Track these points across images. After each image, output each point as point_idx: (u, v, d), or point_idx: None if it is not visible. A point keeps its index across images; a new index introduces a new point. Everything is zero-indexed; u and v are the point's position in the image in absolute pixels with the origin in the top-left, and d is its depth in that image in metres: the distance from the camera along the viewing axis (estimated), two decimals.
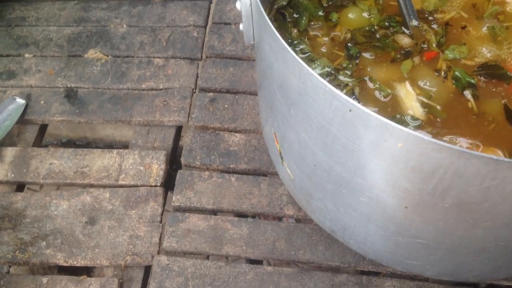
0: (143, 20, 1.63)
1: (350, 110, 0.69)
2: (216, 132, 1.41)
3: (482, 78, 1.04)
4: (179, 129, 1.46)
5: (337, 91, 0.67)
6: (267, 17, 0.75)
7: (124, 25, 1.62)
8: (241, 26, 0.96)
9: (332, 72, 1.08)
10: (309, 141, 0.88)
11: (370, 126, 0.69)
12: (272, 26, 0.74)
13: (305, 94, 0.76)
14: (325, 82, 0.68)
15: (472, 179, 0.68)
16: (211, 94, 1.47)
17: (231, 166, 1.35)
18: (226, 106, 1.44)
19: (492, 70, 1.05)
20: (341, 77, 1.08)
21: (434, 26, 1.10)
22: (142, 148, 1.41)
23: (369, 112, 0.66)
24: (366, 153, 0.76)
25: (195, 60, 1.54)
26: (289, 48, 0.72)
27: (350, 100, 0.67)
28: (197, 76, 1.51)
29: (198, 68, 1.52)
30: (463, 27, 1.10)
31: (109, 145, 1.79)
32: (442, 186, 0.72)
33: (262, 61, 0.95)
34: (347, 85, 1.06)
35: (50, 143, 1.85)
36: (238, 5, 0.90)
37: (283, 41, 0.73)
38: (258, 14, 0.82)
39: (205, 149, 1.38)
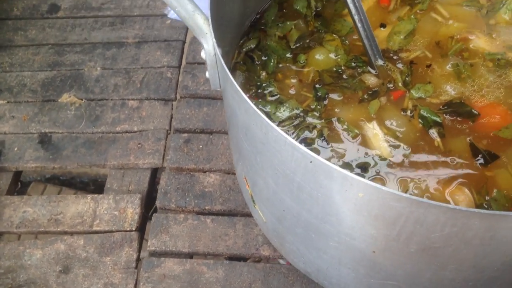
0: (117, 62, 1.65)
1: (311, 162, 0.69)
2: (191, 173, 1.41)
3: (447, 116, 1.06)
4: (154, 171, 1.45)
5: (297, 144, 0.68)
6: (227, 70, 0.77)
7: (98, 68, 1.63)
8: (207, 74, 0.97)
9: (301, 114, 1.10)
10: (276, 188, 0.88)
11: (331, 176, 0.70)
12: (232, 79, 0.75)
13: (268, 144, 0.77)
14: (285, 134, 0.69)
15: (433, 226, 0.68)
16: (185, 135, 1.48)
17: (206, 207, 1.34)
18: (201, 146, 1.45)
19: (457, 108, 1.07)
20: (309, 119, 1.09)
21: (400, 65, 1.12)
22: (117, 191, 1.40)
23: (329, 164, 0.67)
24: (330, 201, 0.77)
25: (169, 101, 1.55)
26: (249, 101, 0.73)
27: (310, 152, 0.68)
28: (172, 117, 1.51)
29: (172, 109, 1.53)
30: (428, 66, 1.12)
31: (94, 178, 1.79)
32: (405, 233, 0.73)
33: (228, 107, 0.96)
34: (315, 126, 1.08)
35: (34, 179, 1.84)
36: (203, 54, 0.91)
37: (243, 93, 0.74)
38: (219, 65, 0.83)
39: (180, 191, 1.37)
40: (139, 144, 1.45)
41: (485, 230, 0.67)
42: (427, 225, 0.69)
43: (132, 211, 1.34)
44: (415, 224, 0.70)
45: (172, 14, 1.75)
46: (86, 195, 1.38)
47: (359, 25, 1.11)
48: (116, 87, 1.58)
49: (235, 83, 0.75)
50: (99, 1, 1.80)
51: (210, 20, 0.81)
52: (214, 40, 0.81)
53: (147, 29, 1.70)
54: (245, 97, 0.74)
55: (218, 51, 0.83)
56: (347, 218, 0.77)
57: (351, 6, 1.10)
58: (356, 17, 1.10)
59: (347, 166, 1.03)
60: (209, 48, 0.86)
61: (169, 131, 1.49)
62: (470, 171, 0.99)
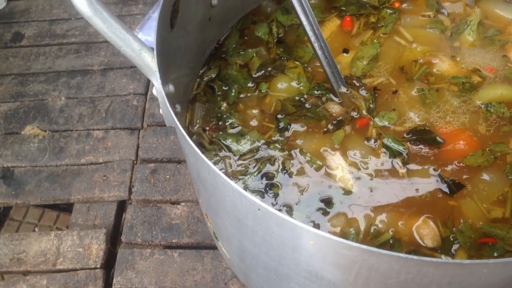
0: (82, 91, 1.61)
1: (259, 209, 0.66)
2: (158, 205, 1.37)
3: (412, 144, 1.04)
4: (120, 204, 1.41)
5: (244, 192, 0.65)
6: (172, 113, 0.74)
7: (63, 98, 1.60)
8: (161, 110, 0.94)
9: (263, 146, 1.07)
10: (233, 229, 0.85)
11: (281, 224, 0.67)
12: (178, 123, 0.72)
13: (218, 189, 0.74)
14: (231, 182, 0.66)
15: (388, 273, 0.66)
16: (152, 165, 1.44)
17: (173, 241, 1.31)
18: (168, 176, 1.41)
19: (421, 135, 1.05)
20: (271, 152, 1.06)
21: (363, 92, 1.10)
22: (83, 226, 1.36)
23: (276, 213, 0.64)
24: (284, 246, 0.74)
25: (135, 130, 1.52)
26: (195, 147, 0.70)
27: (257, 200, 0.65)
28: (138, 147, 1.48)
29: (138, 138, 1.50)
30: (395, 92, 1.10)
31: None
32: (362, 279, 0.70)
33: (181, 146, 0.93)
34: (276, 159, 1.05)
35: None
36: (154, 91, 0.88)
37: (188, 138, 0.71)
38: (165, 107, 0.80)
39: (146, 224, 1.33)
40: (104, 176, 1.41)
41: (441, 277, 0.65)
42: (382, 272, 0.66)
43: (97, 247, 1.30)
44: (370, 270, 0.67)
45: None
46: (49, 232, 1.34)
47: (319, 52, 1.09)
48: (81, 117, 1.54)
49: (181, 129, 0.73)
50: (63, 28, 1.77)
51: (155, 58, 0.78)
52: (159, 81, 0.78)
53: (112, 56, 1.67)
54: (190, 141, 0.71)
55: (165, 90, 0.80)
56: (303, 263, 0.74)
57: (310, 33, 1.08)
58: (316, 45, 1.08)
59: (310, 199, 1.00)
60: (159, 86, 0.83)
61: (135, 162, 1.45)
62: (435, 202, 0.97)
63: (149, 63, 0.84)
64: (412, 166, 1.01)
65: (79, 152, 1.47)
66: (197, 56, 1.14)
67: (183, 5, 0.97)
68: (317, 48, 1.08)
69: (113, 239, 1.36)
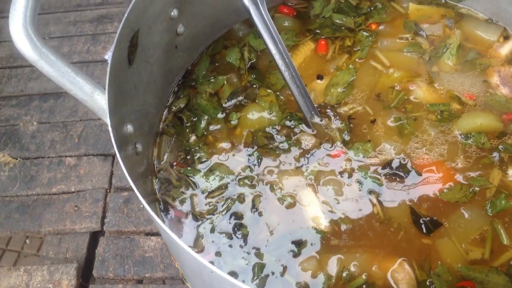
0: (55, 115, 1.57)
1: (212, 272, 0.61)
2: (131, 237, 1.32)
3: (387, 178, 0.99)
4: (93, 235, 1.37)
5: (197, 256, 0.60)
6: (125, 170, 0.69)
7: (35, 123, 1.55)
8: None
9: (232, 182, 1.02)
10: (195, 278, 0.81)
11: (232, 286, 0.62)
12: (131, 181, 0.68)
13: (169, 242, 0.69)
14: (185, 246, 0.61)
15: None
16: (125, 193, 1.40)
17: (146, 275, 1.26)
18: (142, 206, 1.37)
19: (398, 169, 1.00)
20: (241, 188, 1.02)
21: (338, 122, 1.06)
22: (53, 260, 1.31)
23: (227, 278, 0.59)
24: None
25: (108, 156, 1.47)
26: (150, 212, 0.65)
27: (208, 264, 0.60)
28: (111, 174, 1.43)
29: (112, 165, 1.45)
30: (373, 121, 1.05)
31: None
32: None
33: None
34: (245, 197, 1.00)
35: None
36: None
37: (144, 201, 0.66)
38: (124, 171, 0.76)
39: (118, 257, 1.29)
40: (76, 207, 1.36)
41: None
42: None
43: (67, 283, 1.25)
44: None
45: None
46: (19, 268, 1.29)
47: (290, 81, 1.05)
48: (53, 143, 1.50)
49: (138, 193, 0.68)
50: None
51: (107, 102, 0.73)
52: (110, 129, 0.73)
53: None
54: (144, 202, 0.67)
55: (124, 131, 0.76)
56: None
57: (279, 62, 1.03)
58: (286, 74, 1.04)
59: (281, 240, 0.96)
60: (112, 131, 0.78)
61: (108, 190, 1.40)
62: (411, 241, 0.92)
63: (103, 105, 0.80)
64: (388, 203, 0.97)
65: (50, 180, 1.43)
66: (164, 86, 1.09)
67: (143, 38, 0.93)
68: (287, 78, 1.04)
69: (85, 273, 1.31)
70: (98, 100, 0.79)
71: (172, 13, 1.01)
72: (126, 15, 0.83)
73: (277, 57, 1.03)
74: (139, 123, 0.96)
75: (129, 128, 0.86)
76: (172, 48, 1.07)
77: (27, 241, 1.61)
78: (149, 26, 0.93)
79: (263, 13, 1.00)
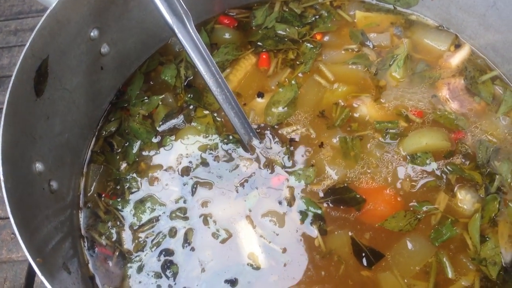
0: None
1: None
2: None
3: (330, 206, 0.94)
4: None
5: None
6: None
7: None
8: None
9: (163, 215, 0.96)
10: None
11: None
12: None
13: None
14: None
15: None
16: None
17: None
18: None
19: (341, 194, 0.95)
20: (173, 222, 0.95)
21: (278, 145, 0.99)
22: None
23: None
24: None
25: None
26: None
27: None
28: None
29: None
30: (320, 145, 0.99)
31: None
32: None
33: None
34: (177, 231, 0.94)
35: None
36: None
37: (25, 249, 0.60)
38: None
39: None
40: (12, 234, 1.29)
41: None
42: None
43: None
44: None
45: None
46: None
47: (224, 103, 0.99)
48: None
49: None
50: None
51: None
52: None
53: None
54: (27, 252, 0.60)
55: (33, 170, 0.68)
56: None
57: (211, 83, 0.97)
58: (219, 96, 0.97)
59: (214, 279, 0.90)
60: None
61: None
62: (352, 276, 0.87)
63: None
64: (330, 234, 0.91)
65: None
66: (91, 110, 1.02)
67: (55, 64, 0.86)
68: (221, 99, 0.98)
69: None
70: None
71: (92, 34, 0.93)
72: (27, 44, 0.75)
73: (208, 78, 0.96)
74: (57, 157, 0.89)
75: (38, 166, 0.79)
76: (97, 70, 1.00)
77: None
78: (62, 51, 0.86)
79: (191, 31, 0.93)
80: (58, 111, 0.90)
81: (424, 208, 0.92)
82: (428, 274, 0.86)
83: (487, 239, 0.88)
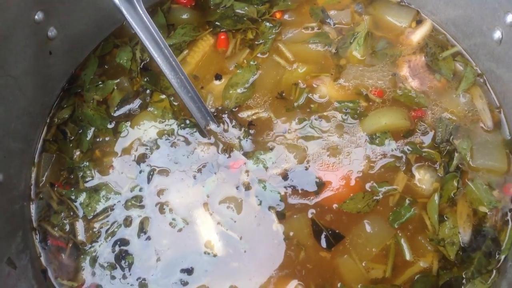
0: None
1: None
2: None
3: (289, 190, 0.92)
4: None
5: None
6: None
7: None
8: None
9: (119, 203, 0.93)
10: None
11: None
12: None
13: None
14: None
15: None
16: None
17: None
18: None
19: (300, 178, 0.94)
20: (128, 210, 0.93)
21: (236, 129, 0.97)
22: None
23: None
24: None
25: None
26: None
27: None
28: None
29: None
30: (284, 132, 0.97)
31: None
32: None
33: None
34: (132, 220, 0.91)
35: None
36: None
37: None
38: None
39: None
40: None
41: None
42: None
43: None
44: None
45: None
46: None
47: (179, 87, 0.96)
48: None
49: None
50: None
51: None
52: None
53: None
54: None
55: None
56: None
57: (164, 67, 0.94)
58: (173, 80, 0.94)
59: (170, 268, 0.88)
60: None
61: None
62: (313, 260, 0.86)
63: None
64: (288, 217, 0.89)
65: None
66: (42, 97, 0.99)
67: None
68: (175, 83, 0.95)
69: None
70: None
71: (36, 17, 0.89)
72: None
73: (161, 61, 0.94)
74: (1, 147, 0.85)
75: None
76: (45, 55, 0.96)
77: None
78: (3, 36, 0.82)
79: (140, 12, 0.89)
80: (2, 99, 0.86)
81: (383, 189, 0.90)
82: (387, 257, 0.85)
83: (446, 219, 0.87)
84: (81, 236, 0.91)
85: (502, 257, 0.84)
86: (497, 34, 0.93)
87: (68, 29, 1.00)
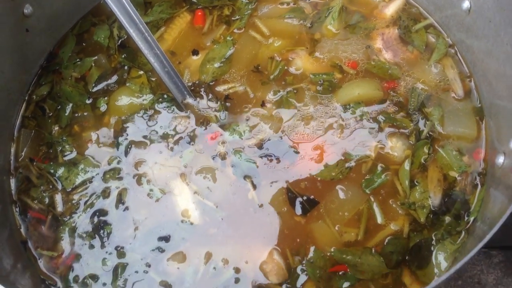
0: None
1: None
2: None
3: (264, 159, 0.94)
4: None
5: None
6: None
7: None
8: None
9: (98, 175, 0.95)
10: None
11: None
12: None
13: None
14: None
15: None
16: None
17: None
18: None
19: (275, 148, 0.95)
20: (106, 182, 0.94)
21: (213, 101, 0.98)
22: None
23: None
24: None
25: None
26: None
27: None
28: None
29: None
30: (262, 104, 0.99)
31: None
32: None
33: None
34: (111, 191, 0.93)
35: None
36: None
37: None
38: None
39: None
40: None
41: None
42: None
43: None
44: None
45: None
46: None
47: (155, 61, 0.98)
48: None
49: None
50: None
51: None
52: None
53: None
54: None
55: None
56: None
57: (140, 42, 0.95)
58: (150, 57, 0.96)
59: (148, 237, 0.90)
60: None
61: None
62: (288, 226, 0.88)
63: None
64: (264, 186, 0.91)
65: None
66: (19, 75, 1.00)
67: None
68: (151, 58, 0.97)
69: None
70: None
71: None
72: None
73: (136, 37, 0.96)
74: None
75: None
76: (21, 32, 0.97)
77: None
78: None
79: None
80: None
81: (356, 157, 0.92)
82: (359, 221, 0.87)
83: (417, 184, 0.89)
84: (60, 208, 0.92)
85: (471, 218, 0.86)
86: (466, 4, 0.95)
87: (44, 6, 1.01)
